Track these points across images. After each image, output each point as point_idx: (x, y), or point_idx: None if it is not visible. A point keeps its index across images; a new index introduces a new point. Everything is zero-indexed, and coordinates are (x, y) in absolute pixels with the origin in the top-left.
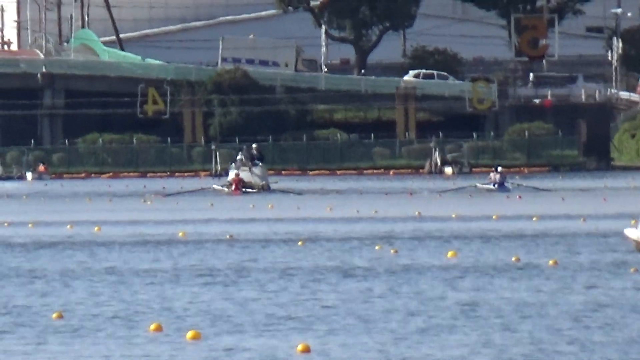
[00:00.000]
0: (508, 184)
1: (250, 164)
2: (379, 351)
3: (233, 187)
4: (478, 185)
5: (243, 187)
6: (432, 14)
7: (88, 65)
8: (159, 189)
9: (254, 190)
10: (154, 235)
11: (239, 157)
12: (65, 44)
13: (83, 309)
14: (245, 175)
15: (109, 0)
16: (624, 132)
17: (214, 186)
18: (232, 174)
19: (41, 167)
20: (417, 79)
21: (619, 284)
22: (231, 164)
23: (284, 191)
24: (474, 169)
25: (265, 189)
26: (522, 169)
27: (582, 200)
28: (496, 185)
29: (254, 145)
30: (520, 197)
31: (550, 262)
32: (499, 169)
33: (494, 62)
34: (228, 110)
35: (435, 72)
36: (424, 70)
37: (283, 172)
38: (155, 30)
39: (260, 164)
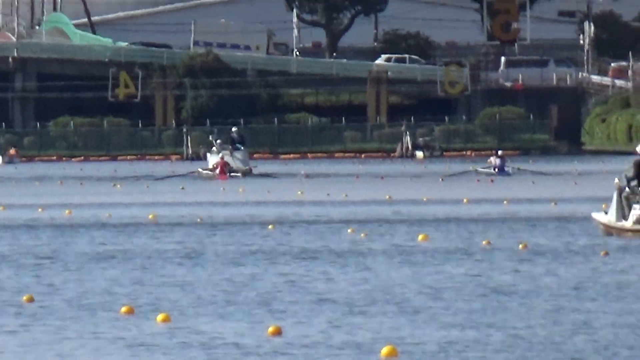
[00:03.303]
0: (508, 168)
1: (231, 147)
2: (349, 334)
3: (218, 171)
4: (478, 169)
5: (228, 171)
6: None
7: (60, 48)
8: (144, 172)
9: (239, 174)
10: (124, 218)
11: (218, 140)
12: (37, 27)
13: (54, 292)
14: (226, 159)
15: None
16: (595, 116)
17: (199, 169)
18: (214, 158)
19: (12, 151)
20: (389, 63)
21: (590, 266)
22: (211, 148)
23: (266, 175)
24: (445, 153)
25: (249, 173)
26: (492, 152)
27: (552, 184)
28: (496, 170)
29: (233, 129)
30: (492, 180)
31: (521, 245)
32: (500, 152)
33: (466, 46)
34: (199, 94)
35: (407, 56)
36: (396, 55)
37: (254, 155)
38: (128, 13)
39: (242, 147)
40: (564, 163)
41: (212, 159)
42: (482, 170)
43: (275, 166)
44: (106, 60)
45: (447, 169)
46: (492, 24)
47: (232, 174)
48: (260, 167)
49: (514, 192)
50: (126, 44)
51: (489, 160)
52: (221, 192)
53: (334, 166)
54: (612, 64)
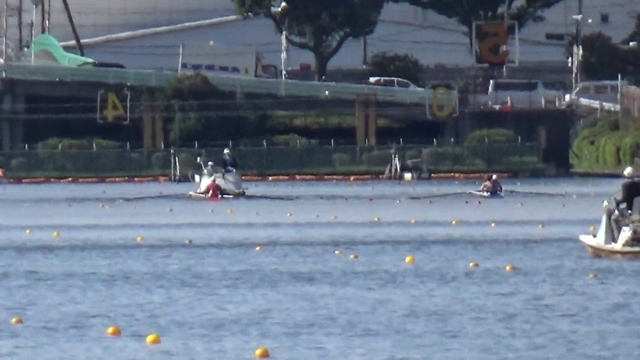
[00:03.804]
0: (501, 192)
1: (223, 170)
2: (336, 356)
3: (210, 193)
4: (472, 192)
5: (220, 194)
6: (393, 20)
7: (48, 70)
8: (126, 194)
9: (230, 197)
10: (112, 240)
11: (210, 163)
12: (25, 49)
13: (42, 313)
14: (218, 181)
15: (69, 6)
16: (583, 139)
17: (191, 193)
18: (205, 181)
19: None
20: (378, 86)
21: (579, 289)
22: (199, 170)
23: (260, 197)
24: (433, 175)
25: (242, 195)
26: (481, 175)
27: (540, 206)
28: (489, 193)
29: (225, 151)
30: (479, 202)
31: (508, 267)
32: (494, 176)
33: (455, 68)
34: (188, 116)
35: (395, 79)
36: (384, 77)
37: (242, 177)
38: (116, 35)
39: (234, 170)
40: (553, 185)
41: (204, 182)
42: (476, 193)
43: (263, 188)
44: (95, 82)
45: (435, 191)
46: (481, 47)
47: (224, 195)
48: (250, 189)
49: (502, 214)
50: (82, 62)
51: (484, 185)
52: (210, 214)
53: (323, 188)
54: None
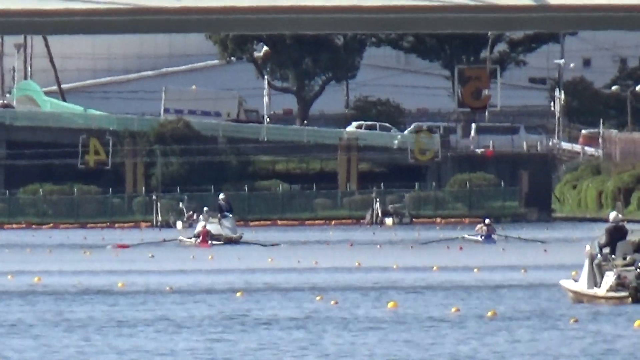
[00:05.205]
0: (495, 236)
1: (219, 215)
2: None
3: (200, 239)
4: (466, 236)
5: (211, 239)
6: (376, 64)
7: (30, 116)
8: (116, 240)
9: (220, 242)
10: (93, 286)
11: (205, 208)
12: (7, 94)
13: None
14: (213, 227)
15: (51, 51)
16: (565, 183)
17: (181, 238)
18: (199, 226)
19: None
20: (360, 130)
21: (559, 334)
22: (184, 216)
23: (254, 243)
24: (415, 220)
25: (237, 240)
26: (463, 219)
27: (522, 251)
28: (483, 237)
29: (221, 196)
30: (461, 248)
31: (490, 313)
32: (487, 221)
33: (437, 112)
34: (170, 161)
35: (377, 124)
36: (366, 122)
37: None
38: (98, 80)
39: (230, 215)
40: (535, 230)
41: (199, 227)
42: (470, 237)
43: (246, 234)
44: (77, 127)
45: (419, 236)
46: (463, 91)
47: (214, 241)
48: (252, 235)
49: (484, 260)
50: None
51: (477, 228)
52: (191, 260)
53: (304, 233)
54: (583, 131)
